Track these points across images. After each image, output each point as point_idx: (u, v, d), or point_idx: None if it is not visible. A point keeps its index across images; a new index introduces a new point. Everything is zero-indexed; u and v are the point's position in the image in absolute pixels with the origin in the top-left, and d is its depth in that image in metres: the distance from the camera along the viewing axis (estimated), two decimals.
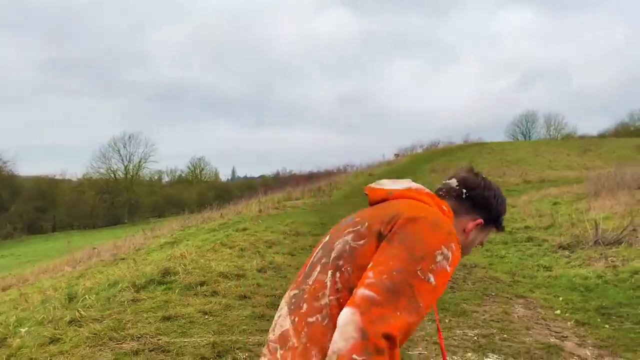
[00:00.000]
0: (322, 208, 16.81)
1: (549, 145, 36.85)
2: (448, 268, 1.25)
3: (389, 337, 1.10)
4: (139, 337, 4.96)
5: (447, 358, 5.01)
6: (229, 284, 6.97)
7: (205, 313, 5.79)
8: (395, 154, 34.58)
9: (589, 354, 5.50)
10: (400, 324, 1.13)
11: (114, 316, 5.68)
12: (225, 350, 4.69)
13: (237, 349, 4.75)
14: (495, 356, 5.18)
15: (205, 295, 6.50)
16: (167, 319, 5.55)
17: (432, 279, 1.20)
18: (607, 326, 6.39)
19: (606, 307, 7.06)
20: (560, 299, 7.52)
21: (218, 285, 6.85)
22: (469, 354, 5.15)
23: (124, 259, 11.26)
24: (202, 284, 6.93)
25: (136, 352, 4.60)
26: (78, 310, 5.84)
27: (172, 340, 4.92)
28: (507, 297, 7.46)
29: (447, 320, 6.21)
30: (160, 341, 4.89)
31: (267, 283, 7.19)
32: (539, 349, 5.47)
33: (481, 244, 1.63)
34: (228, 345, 4.81)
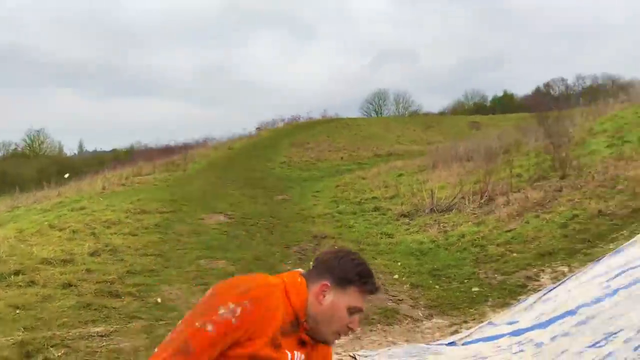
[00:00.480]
0: (175, 183, 15.92)
1: (398, 121, 39.55)
2: (233, 320, 1.34)
3: None
4: None
5: None
6: (51, 271, 6.13)
7: (17, 307, 5.00)
8: (257, 128, 34.22)
9: (421, 315, 5.90)
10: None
11: None
12: (36, 350, 4.06)
13: (52, 346, 4.14)
14: None
15: (20, 286, 5.63)
16: None
17: (209, 328, 1.32)
18: (437, 287, 6.93)
19: (437, 269, 7.67)
20: (399, 263, 8.01)
21: (37, 274, 5.99)
22: None
23: None
24: (17, 272, 6.00)
25: None
26: None
27: None
28: None
29: None
30: None
31: (99, 268, 6.49)
32: (376, 314, 5.71)
33: (355, 312, 1.53)
34: (40, 342, 4.18)
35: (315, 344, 1.55)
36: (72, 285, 5.68)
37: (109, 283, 5.90)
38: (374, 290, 1.55)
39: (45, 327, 4.55)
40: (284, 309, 1.45)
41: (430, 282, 7.12)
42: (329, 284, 1.52)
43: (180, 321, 1.42)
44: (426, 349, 4.68)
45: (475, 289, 6.66)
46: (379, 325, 5.37)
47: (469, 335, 5.09)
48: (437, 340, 4.99)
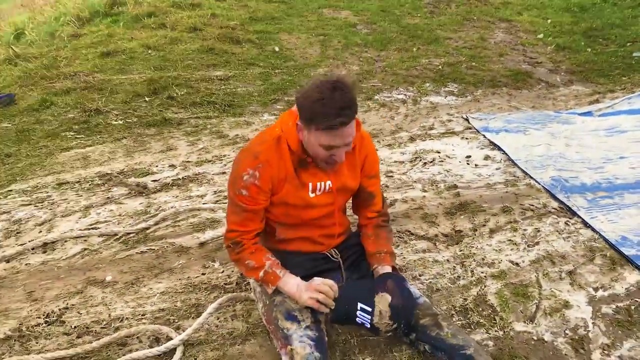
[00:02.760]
0: None
1: None
2: (257, 182, 1.64)
3: (227, 230, 1.76)
4: (73, 76, 4.63)
5: (401, 89, 4.73)
6: (180, 14, 6.29)
7: (149, 47, 5.33)
8: None
9: (559, 80, 5.18)
10: (231, 220, 1.74)
11: (51, 53, 5.27)
12: (162, 87, 4.40)
13: (176, 85, 4.45)
14: (455, 85, 4.88)
15: (153, 27, 5.92)
16: (106, 54, 5.13)
17: (244, 192, 1.66)
18: (589, 50, 5.91)
19: (595, 29, 6.45)
20: (549, 21, 6.84)
21: (168, 17, 6.20)
22: (427, 84, 4.84)
23: None
24: (150, 15, 6.27)
25: (67, 91, 4.33)
26: (12, 48, 5.40)
27: (108, 78, 4.61)
28: (490, 22, 6.79)
29: (414, 50, 5.74)
30: (95, 79, 4.58)
31: (223, 13, 6.50)
32: (505, 76, 5.13)
33: (330, 148, 1.55)
34: (166, 81, 4.50)
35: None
36: (197, 29, 5.83)
37: (231, 29, 5.93)
38: (333, 126, 1.49)
39: (171, 68, 4.85)
40: (289, 155, 1.65)
41: (582, 43, 6.06)
42: (299, 123, 1.60)
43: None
44: (554, 116, 4.19)
45: (637, 54, 5.55)
46: (504, 88, 4.86)
47: (611, 106, 4.42)
48: (571, 109, 4.43)
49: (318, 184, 1.71)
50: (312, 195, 1.72)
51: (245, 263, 1.73)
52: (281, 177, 1.67)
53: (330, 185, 1.72)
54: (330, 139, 1.52)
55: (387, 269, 1.77)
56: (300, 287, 1.65)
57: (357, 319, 1.62)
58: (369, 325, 1.61)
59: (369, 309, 1.60)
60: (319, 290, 1.61)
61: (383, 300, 1.59)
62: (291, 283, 1.67)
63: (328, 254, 1.86)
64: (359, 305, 1.61)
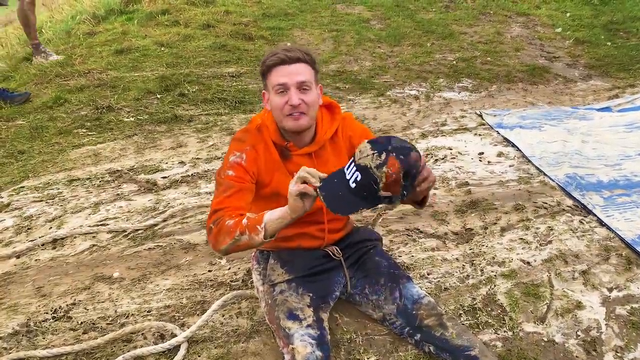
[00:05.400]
0: None
1: None
2: (243, 162, 1.68)
3: (211, 212, 1.64)
4: (87, 73, 4.67)
5: (414, 84, 4.67)
6: (194, 11, 6.31)
7: (162, 45, 5.35)
8: None
9: (577, 75, 5.07)
10: (215, 202, 1.64)
11: (67, 51, 5.32)
12: (174, 84, 4.41)
13: (188, 82, 4.45)
14: (470, 81, 4.80)
15: (166, 25, 5.94)
16: (120, 52, 5.16)
17: (230, 172, 1.67)
18: (609, 43, 5.77)
19: (616, 22, 6.29)
20: (568, 14, 6.70)
21: (181, 14, 6.22)
22: (440, 80, 4.77)
23: None
24: (164, 12, 6.29)
25: (81, 89, 4.37)
26: (29, 46, 5.47)
27: (121, 75, 4.63)
28: (506, 16, 6.67)
29: (428, 45, 5.66)
30: (108, 76, 4.61)
31: (237, 10, 6.49)
32: (521, 71, 5.03)
33: (280, 89, 1.62)
34: (178, 78, 4.51)
35: (318, 149, 1.74)
36: (210, 26, 5.84)
37: (244, 25, 5.93)
38: (275, 60, 1.61)
39: (184, 65, 4.86)
40: (273, 144, 1.72)
41: (602, 37, 5.92)
42: (264, 92, 1.72)
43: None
44: (570, 112, 4.10)
45: None
46: (520, 83, 4.76)
47: (630, 102, 4.31)
48: (588, 104, 4.32)
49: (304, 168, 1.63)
50: None
51: (225, 225, 1.53)
52: (269, 165, 1.70)
53: None
54: (278, 77, 1.60)
55: None
56: (284, 208, 1.47)
57: (347, 175, 1.42)
58: (356, 170, 1.39)
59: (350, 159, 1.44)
60: (301, 177, 1.42)
61: (361, 145, 1.43)
62: (277, 209, 1.50)
63: (330, 252, 1.84)
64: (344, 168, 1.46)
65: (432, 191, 2.86)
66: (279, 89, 1.60)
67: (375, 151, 1.36)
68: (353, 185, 1.40)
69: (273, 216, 1.48)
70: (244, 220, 1.51)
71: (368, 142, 1.41)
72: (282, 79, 1.59)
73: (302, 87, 1.60)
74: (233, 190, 1.63)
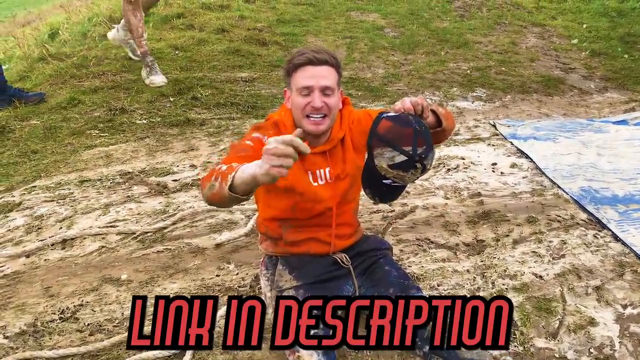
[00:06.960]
0: None
1: None
2: (265, 139, 1.62)
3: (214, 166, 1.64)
4: (101, 75, 4.71)
5: (427, 93, 4.65)
6: (209, 16, 6.34)
7: (176, 48, 5.38)
8: None
9: (593, 87, 5.02)
10: (223, 161, 1.54)
11: (82, 53, 5.37)
12: (187, 88, 4.42)
13: (201, 86, 4.47)
14: (483, 90, 4.76)
15: (181, 28, 5.98)
16: None
17: (248, 142, 1.64)
18: (626, 56, 5.71)
19: (633, 35, 6.23)
20: (584, 26, 6.64)
21: (196, 18, 6.25)
22: (454, 89, 4.74)
23: None
24: (179, 16, 6.33)
25: (95, 90, 4.40)
26: (45, 47, 5.53)
27: (135, 77, 4.66)
28: (522, 26, 6.62)
29: (442, 53, 5.64)
30: (122, 78, 4.64)
31: (252, 15, 6.52)
32: (536, 82, 4.99)
33: (306, 91, 1.63)
34: (191, 82, 4.53)
35: (332, 148, 1.75)
36: (225, 31, 5.86)
37: (258, 31, 5.95)
38: (302, 60, 1.62)
39: (197, 69, 4.88)
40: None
41: (619, 49, 5.86)
42: (286, 90, 1.74)
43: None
44: (586, 124, 4.05)
45: None
46: (534, 94, 4.72)
47: None
48: (604, 117, 4.27)
49: (317, 171, 1.75)
50: (315, 184, 1.74)
51: (214, 169, 1.46)
52: None
53: (330, 171, 1.76)
54: (304, 78, 1.62)
55: None
56: (259, 163, 1.29)
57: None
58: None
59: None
60: (274, 153, 1.23)
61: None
62: (251, 164, 1.33)
63: (339, 260, 1.82)
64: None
65: (444, 200, 2.83)
66: (303, 90, 1.63)
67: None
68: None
69: (244, 173, 1.32)
70: (223, 167, 1.42)
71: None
72: (308, 82, 1.62)
73: (325, 91, 1.63)
74: (245, 153, 1.55)
